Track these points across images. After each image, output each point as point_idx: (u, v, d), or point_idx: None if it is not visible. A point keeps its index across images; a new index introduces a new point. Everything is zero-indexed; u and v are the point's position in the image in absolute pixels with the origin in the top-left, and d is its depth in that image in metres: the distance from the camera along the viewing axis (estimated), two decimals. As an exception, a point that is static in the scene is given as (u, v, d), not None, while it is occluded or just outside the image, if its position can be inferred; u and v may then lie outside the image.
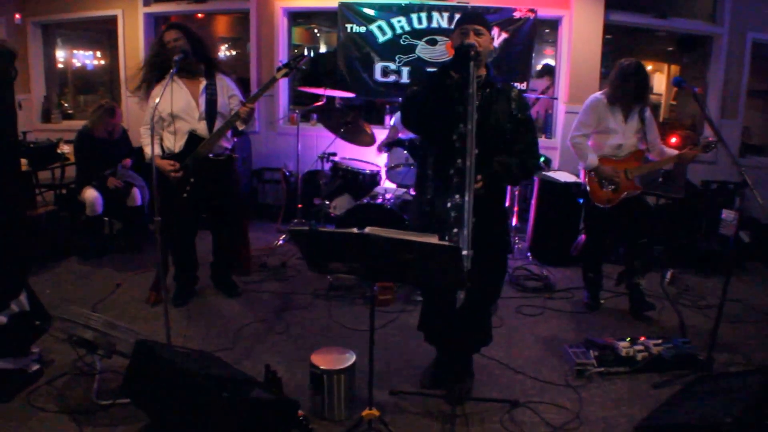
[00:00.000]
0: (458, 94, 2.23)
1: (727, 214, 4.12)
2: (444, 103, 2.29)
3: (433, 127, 2.41)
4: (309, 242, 2.08)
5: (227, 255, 3.85)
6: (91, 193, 4.44)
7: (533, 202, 4.92)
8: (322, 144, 5.29)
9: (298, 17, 6.19)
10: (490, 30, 2.44)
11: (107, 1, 5.95)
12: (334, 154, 4.91)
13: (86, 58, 7.10)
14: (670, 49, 6.58)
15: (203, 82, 3.40)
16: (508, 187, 4.39)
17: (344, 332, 3.41)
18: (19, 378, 2.60)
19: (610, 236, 3.99)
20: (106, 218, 4.68)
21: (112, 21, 6.02)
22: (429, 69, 5.43)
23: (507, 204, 3.38)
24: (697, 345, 3.11)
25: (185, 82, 3.37)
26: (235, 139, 3.66)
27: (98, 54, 7.10)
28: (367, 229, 1.92)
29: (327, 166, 4.83)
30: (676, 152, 3.60)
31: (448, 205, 2.21)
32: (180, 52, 2.96)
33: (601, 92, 3.61)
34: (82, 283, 4.07)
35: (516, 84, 5.26)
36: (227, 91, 3.48)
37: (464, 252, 1.96)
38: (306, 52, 3.60)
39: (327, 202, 4.54)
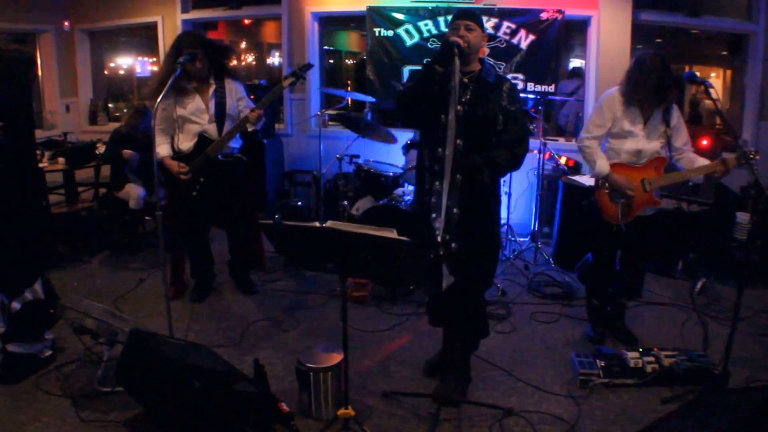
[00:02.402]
0: (442, 87, 2.36)
1: (742, 217, 3.83)
2: (431, 96, 2.40)
3: (423, 120, 2.53)
4: (275, 236, 2.13)
5: (241, 253, 3.95)
6: (135, 189, 4.62)
7: (558, 206, 4.77)
8: (351, 146, 5.31)
9: (350, 21, 6.26)
10: (482, 27, 2.53)
11: (148, 8, 6.21)
12: (357, 156, 4.94)
13: (131, 64, 7.45)
14: (725, 53, 6.23)
15: (213, 86, 3.53)
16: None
17: (351, 333, 3.39)
18: (30, 362, 2.77)
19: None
20: (148, 217, 4.86)
21: (153, 27, 6.29)
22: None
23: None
24: (715, 358, 2.94)
25: (196, 86, 3.50)
26: (265, 142, 3.74)
27: (143, 60, 7.42)
28: (328, 223, 1.94)
29: (351, 168, 4.86)
30: (707, 162, 2.99)
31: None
32: (186, 54, 3.06)
33: (615, 88, 3.06)
34: (109, 277, 4.27)
35: (544, 86, 5.16)
36: (236, 94, 3.60)
37: (439, 239, 1.99)
38: (311, 63, 3.82)
39: (347, 203, 4.58)
